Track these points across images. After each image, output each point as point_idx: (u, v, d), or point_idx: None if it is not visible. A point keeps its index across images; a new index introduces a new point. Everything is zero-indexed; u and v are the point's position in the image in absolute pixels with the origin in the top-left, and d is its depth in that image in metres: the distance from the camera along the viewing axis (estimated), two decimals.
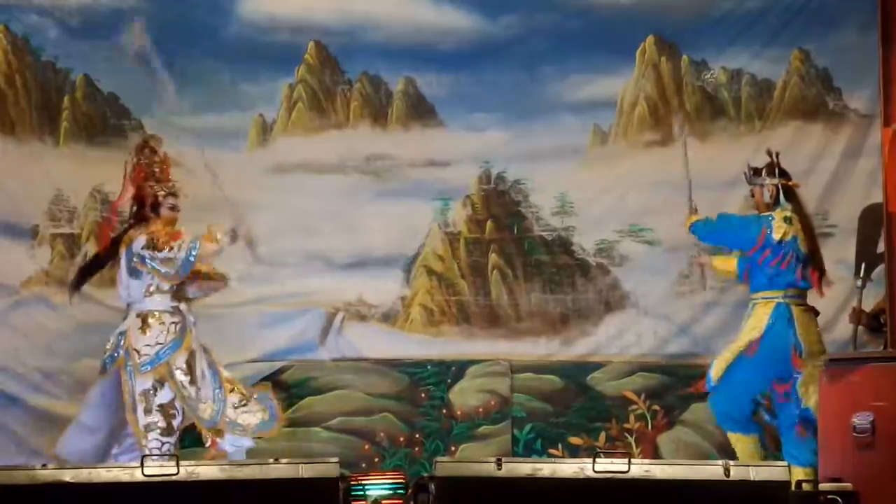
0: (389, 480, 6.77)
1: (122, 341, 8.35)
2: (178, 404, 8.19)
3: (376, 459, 10.00)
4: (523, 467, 6.06)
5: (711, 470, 6.05)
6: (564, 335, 10.24)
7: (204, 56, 10.23)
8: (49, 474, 6.01)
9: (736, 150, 10.28)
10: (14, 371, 9.86)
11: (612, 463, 6.01)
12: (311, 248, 10.16)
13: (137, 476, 5.96)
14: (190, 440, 8.53)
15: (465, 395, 10.15)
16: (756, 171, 8.71)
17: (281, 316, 10.04)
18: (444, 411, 10.11)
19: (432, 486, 6.08)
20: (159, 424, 8.13)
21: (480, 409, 10.11)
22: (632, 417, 10.14)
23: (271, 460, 6.10)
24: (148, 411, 8.16)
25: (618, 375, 10.20)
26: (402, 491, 6.67)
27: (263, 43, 10.24)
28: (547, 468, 6.03)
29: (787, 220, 8.47)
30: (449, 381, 10.15)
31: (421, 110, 10.44)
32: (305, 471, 6.02)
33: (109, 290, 10.05)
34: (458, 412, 10.12)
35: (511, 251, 10.39)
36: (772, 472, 6.04)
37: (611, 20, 10.25)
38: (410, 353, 10.18)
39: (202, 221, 10.04)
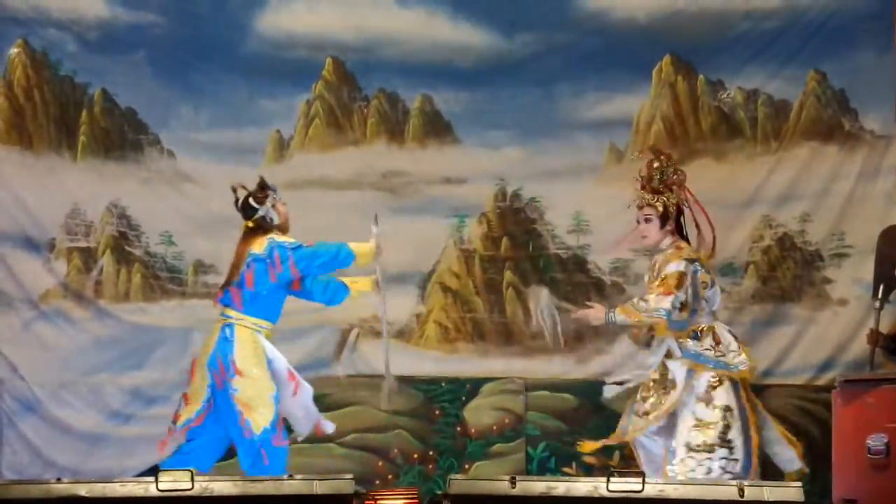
0: (403, 498, 6.75)
1: None
2: None
3: (390, 476, 10.00)
4: (538, 486, 6.05)
5: (725, 490, 6.02)
6: (579, 353, 10.22)
7: (221, 72, 10.26)
8: (64, 488, 6.02)
9: (751, 170, 10.29)
10: (32, 381, 9.90)
11: (626, 482, 5.99)
12: None
13: (152, 491, 5.96)
14: None
15: (480, 413, 10.15)
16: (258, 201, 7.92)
17: (296, 332, 10.01)
18: (459, 429, 10.11)
19: None
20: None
21: (494, 427, 10.11)
22: None
23: (285, 476, 6.10)
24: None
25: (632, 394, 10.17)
26: None
27: (281, 59, 10.27)
28: (561, 487, 6.02)
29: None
30: (463, 398, 10.15)
31: (437, 127, 10.45)
32: (320, 487, 6.01)
33: (125, 305, 10.12)
34: (473, 430, 10.11)
35: (526, 269, 10.38)
36: (786, 492, 6.01)
37: (628, 39, 10.25)
38: (425, 370, 10.18)
39: (217, 239, 10.13)
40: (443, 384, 10.15)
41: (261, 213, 7.89)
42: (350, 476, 6.10)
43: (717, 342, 7.74)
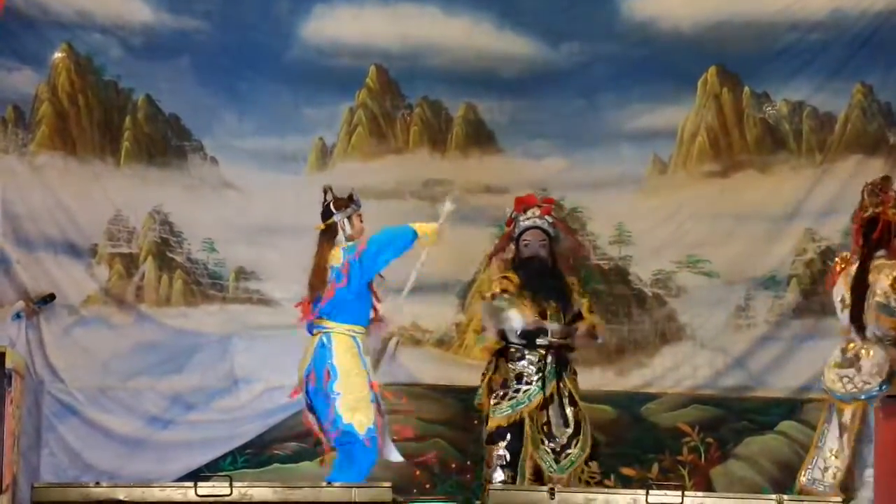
0: None
1: None
2: None
3: (427, 485, 9.98)
4: (576, 497, 6.04)
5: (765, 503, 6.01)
6: (619, 365, 10.19)
7: (265, 79, 10.26)
8: (102, 492, 6.04)
9: (795, 182, 10.25)
10: (72, 385, 9.92)
11: (665, 495, 5.98)
12: None
13: (191, 496, 5.98)
14: None
15: None
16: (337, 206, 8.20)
17: None
18: None
19: None
20: None
21: None
22: (685, 449, 10.09)
23: (324, 483, 6.10)
24: None
25: (672, 407, 10.14)
26: None
27: (325, 67, 10.28)
28: (600, 498, 6.00)
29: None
30: None
31: (480, 136, 10.45)
32: (358, 495, 6.02)
33: (166, 310, 10.12)
34: None
35: None
36: None
37: (673, 50, 10.22)
38: (464, 379, 10.13)
39: (259, 246, 10.13)
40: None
41: (335, 218, 8.14)
42: (388, 484, 6.11)
43: None
